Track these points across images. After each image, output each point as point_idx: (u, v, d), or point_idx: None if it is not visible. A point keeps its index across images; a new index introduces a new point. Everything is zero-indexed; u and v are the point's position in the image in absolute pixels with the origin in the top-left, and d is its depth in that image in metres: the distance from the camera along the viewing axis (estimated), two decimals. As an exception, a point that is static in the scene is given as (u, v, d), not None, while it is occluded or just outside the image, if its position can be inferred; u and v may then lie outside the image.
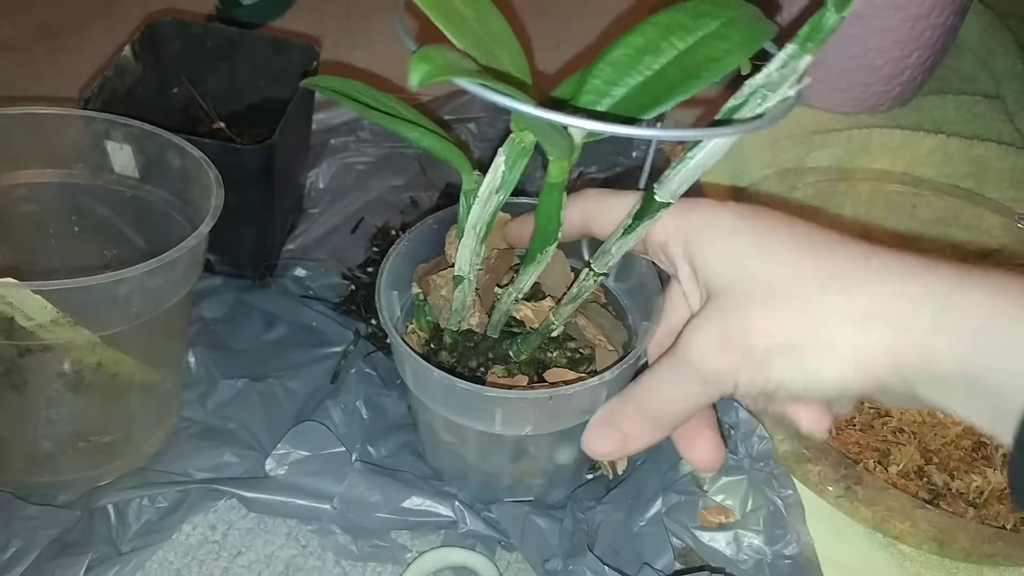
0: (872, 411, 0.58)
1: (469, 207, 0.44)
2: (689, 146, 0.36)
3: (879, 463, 0.55)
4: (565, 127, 0.37)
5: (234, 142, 0.64)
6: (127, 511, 0.49)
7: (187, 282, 0.46)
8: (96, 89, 0.58)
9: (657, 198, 0.39)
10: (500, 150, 0.41)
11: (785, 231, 0.34)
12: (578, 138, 0.38)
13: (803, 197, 0.70)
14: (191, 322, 0.60)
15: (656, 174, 0.41)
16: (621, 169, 0.78)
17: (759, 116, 0.33)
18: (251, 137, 0.68)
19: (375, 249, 0.69)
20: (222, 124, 0.69)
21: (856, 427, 0.57)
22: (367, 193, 0.74)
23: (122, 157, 0.54)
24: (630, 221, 0.42)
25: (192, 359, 0.57)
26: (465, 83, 0.30)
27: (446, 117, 0.81)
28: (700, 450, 0.41)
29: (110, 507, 0.48)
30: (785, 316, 0.31)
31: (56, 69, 0.83)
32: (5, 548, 0.45)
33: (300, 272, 0.66)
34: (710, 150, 0.35)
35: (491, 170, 0.41)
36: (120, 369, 0.46)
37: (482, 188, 0.42)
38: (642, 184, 0.55)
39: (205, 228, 0.45)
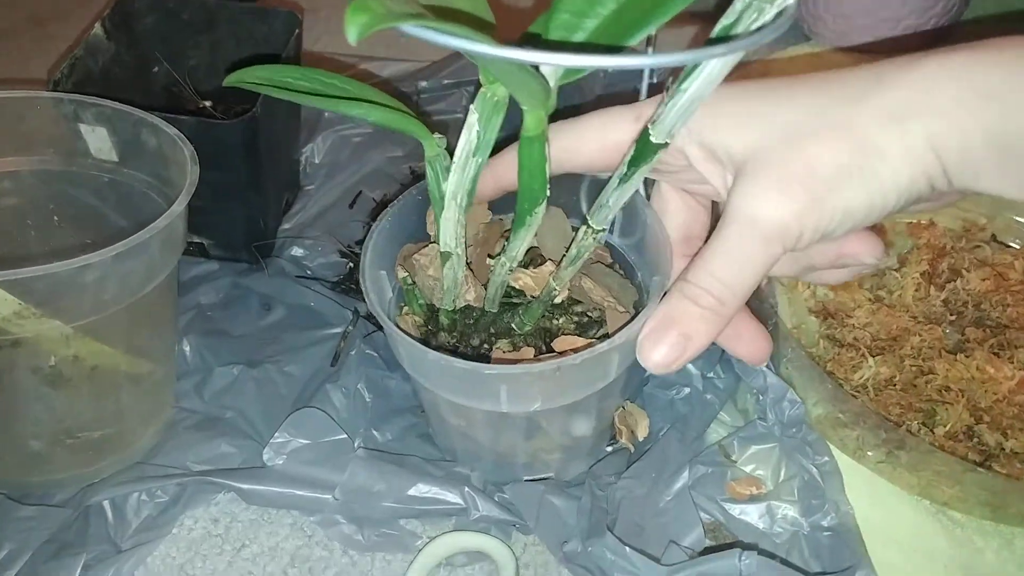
0: (915, 368, 0.53)
1: (436, 176, 0.40)
2: (682, 76, 0.32)
3: (924, 424, 0.51)
4: (536, 68, 0.33)
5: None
6: (125, 507, 0.46)
7: (165, 265, 0.43)
8: (66, 70, 0.55)
9: (652, 140, 0.36)
10: (471, 108, 0.37)
11: (781, 81, 0.34)
12: (552, 81, 0.34)
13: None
14: (186, 309, 0.57)
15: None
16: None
17: (758, 31, 0.29)
18: (239, 115, 0.65)
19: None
20: (206, 103, 0.66)
21: (897, 387, 0.53)
22: (364, 166, 0.71)
23: (97, 139, 0.51)
24: (625, 169, 0.38)
25: (187, 347, 0.55)
26: (410, 28, 0.26)
27: (444, 81, 0.77)
28: (747, 340, 0.40)
29: (106, 504, 0.46)
30: (832, 142, 0.31)
31: (44, 59, 0.81)
32: (-2, 551, 0.43)
33: (297, 252, 0.63)
34: (706, 77, 0.31)
35: (464, 131, 0.37)
36: (101, 361, 0.43)
37: (457, 152, 0.38)
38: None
39: (178, 207, 0.42)
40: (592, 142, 0.38)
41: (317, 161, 0.71)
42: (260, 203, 0.61)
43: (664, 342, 0.36)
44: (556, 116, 0.39)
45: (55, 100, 0.50)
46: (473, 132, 0.37)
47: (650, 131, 0.35)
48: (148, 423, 0.49)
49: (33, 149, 0.51)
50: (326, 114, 0.74)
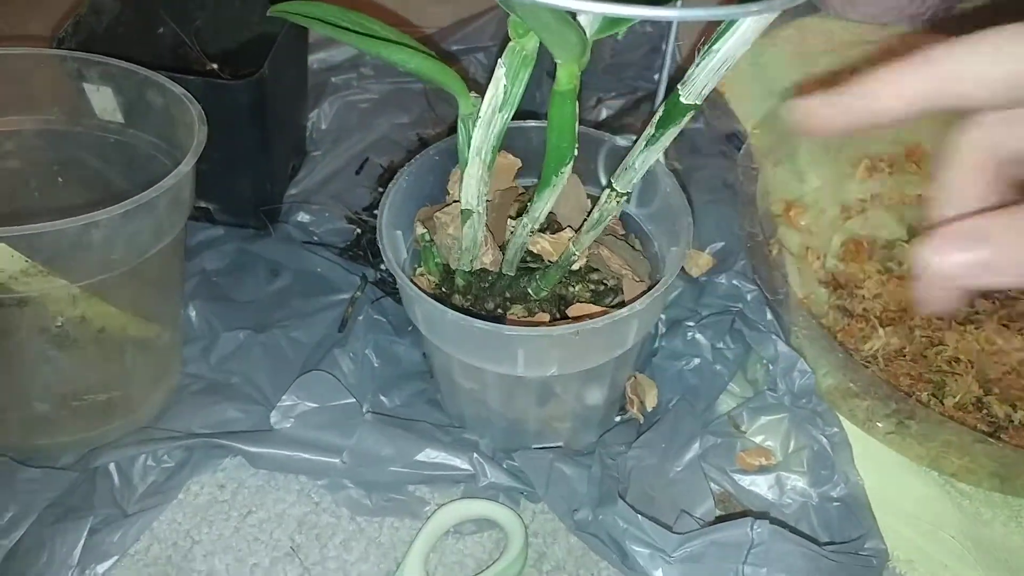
0: (925, 339, 0.53)
1: (469, 135, 0.40)
2: (715, 36, 0.32)
3: (933, 395, 0.51)
4: (574, 16, 0.32)
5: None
6: (131, 471, 0.46)
7: (172, 227, 0.43)
8: (70, 29, 0.54)
9: (682, 100, 0.35)
10: (499, 62, 0.36)
11: None
12: (589, 32, 0.33)
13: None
14: (191, 275, 0.57)
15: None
16: (643, 93, 0.72)
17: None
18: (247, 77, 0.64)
19: (380, 190, 0.65)
20: (214, 65, 0.65)
21: (907, 357, 0.53)
22: (371, 132, 0.70)
23: (102, 99, 0.50)
24: (653, 131, 0.37)
25: (193, 312, 0.54)
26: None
27: (453, 48, 0.76)
28: None
29: (112, 467, 0.45)
30: None
31: (44, 18, 0.79)
32: (2, 513, 0.43)
33: (304, 217, 0.62)
34: (739, 37, 0.30)
35: (491, 85, 0.37)
36: (108, 323, 0.42)
37: (483, 107, 0.38)
38: (662, 88, 0.50)
39: (185, 167, 0.41)
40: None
41: (324, 127, 0.70)
42: (267, 167, 0.60)
43: (967, 245, 0.23)
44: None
45: (59, 57, 0.49)
46: (500, 87, 0.36)
47: (680, 92, 0.35)
48: (154, 387, 0.49)
49: (36, 108, 0.50)
50: (333, 79, 0.73)
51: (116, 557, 0.43)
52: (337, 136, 0.69)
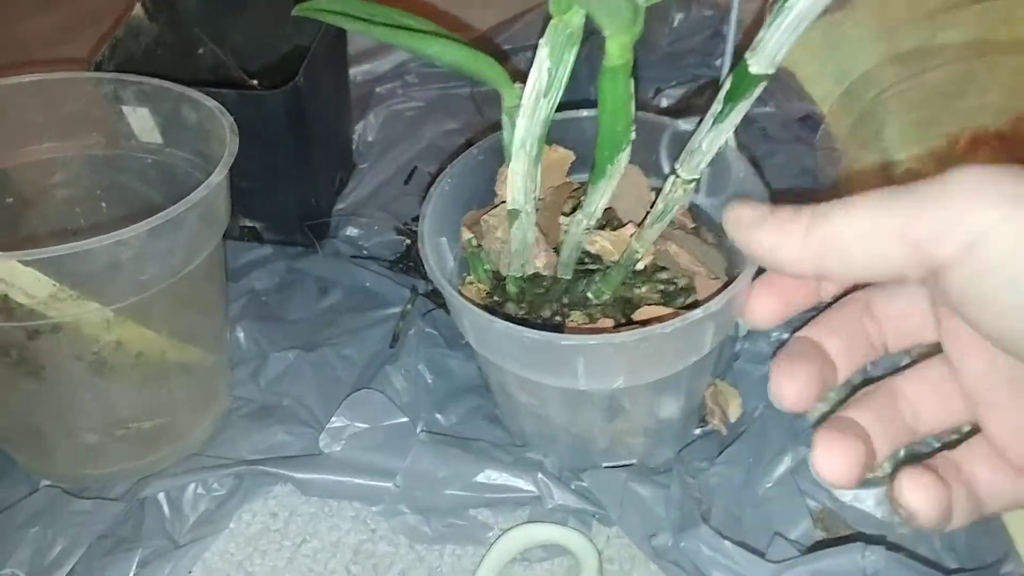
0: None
1: (514, 129, 0.36)
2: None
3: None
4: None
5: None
6: (181, 501, 0.44)
7: (206, 244, 0.40)
8: (107, 52, 0.53)
9: (751, 70, 0.31)
10: (541, 42, 0.33)
11: None
12: (641, -1, 0.29)
13: (933, 83, 0.59)
14: (239, 295, 0.55)
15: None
16: (704, 80, 0.68)
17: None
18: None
19: (431, 198, 0.62)
20: (254, 82, 0.64)
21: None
22: (419, 141, 0.67)
23: (140, 120, 0.49)
24: (720, 106, 0.33)
25: (241, 334, 0.52)
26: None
27: (504, 47, 0.73)
28: None
29: (161, 497, 0.43)
30: None
31: (77, 41, 0.78)
32: (51, 547, 0.41)
33: (352, 232, 0.60)
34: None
35: (533, 69, 0.33)
36: (146, 347, 0.40)
37: (526, 95, 0.34)
38: (727, 60, 0.46)
39: (215, 177, 0.39)
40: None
41: (370, 139, 0.68)
42: (311, 181, 0.58)
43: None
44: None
45: (96, 80, 0.47)
46: (543, 70, 0.32)
47: (748, 61, 0.30)
48: (202, 413, 0.47)
49: (77, 134, 0.49)
50: (377, 90, 0.71)
51: (166, 592, 0.41)
52: (384, 147, 0.67)
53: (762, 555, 0.39)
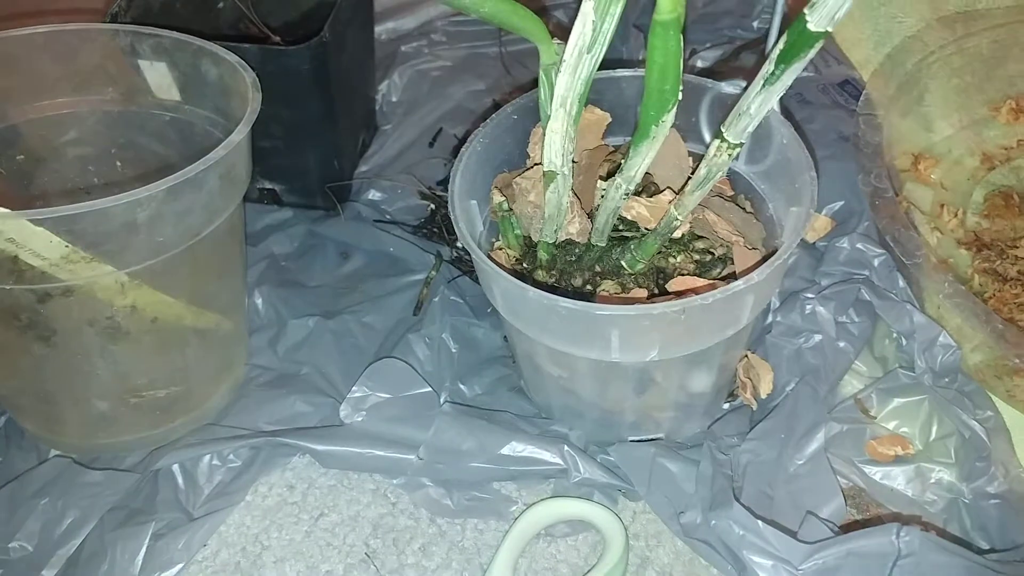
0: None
1: (551, 87, 0.35)
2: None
3: (1115, 371, 0.42)
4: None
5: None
6: (196, 472, 0.43)
7: (226, 205, 0.39)
8: (124, 4, 0.51)
9: (810, 27, 0.29)
10: (586, -5, 0.31)
11: None
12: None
13: (975, 49, 0.56)
14: (258, 260, 0.53)
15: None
16: (741, 42, 0.65)
17: None
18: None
19: (456, 162, 0.60)
20: (277, 38, 0.61)
21: (1080, 326, 0.44)
22: (445, 102, 0.65)
23: (157, 75, 0.47)
24: (772, 66, 0.31)
25: (259, 300, 0.51)
26: None
27: (545, 3, 0.71)
28: None
29: (175, 468, 0.42)
30: None
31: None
32: (61, 519, 0.41)
33: (375, 195, 0.58)
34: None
35: (577, 23, 0.32)
36: (162, 312, 0.39)
37: (568, 50, 0.32)
38: (777, 18, 0.44)
39: (237, 136, 0.37)
40: None
41: (395, 99, 0.66)
42: (334, 142, 0.56)
43: None
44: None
45: (111, 32, 0.46)
46: (588, 23, 0.31)
47: (807, 16, 0.28)
48: (218, 381, 0.46)
49: (92, 89, 0.47)
50: (403, 48, 0.69)
51: (181, 564, 0.40)
52: (409, 107, 0.65)
53: (794, 535, 0.38)
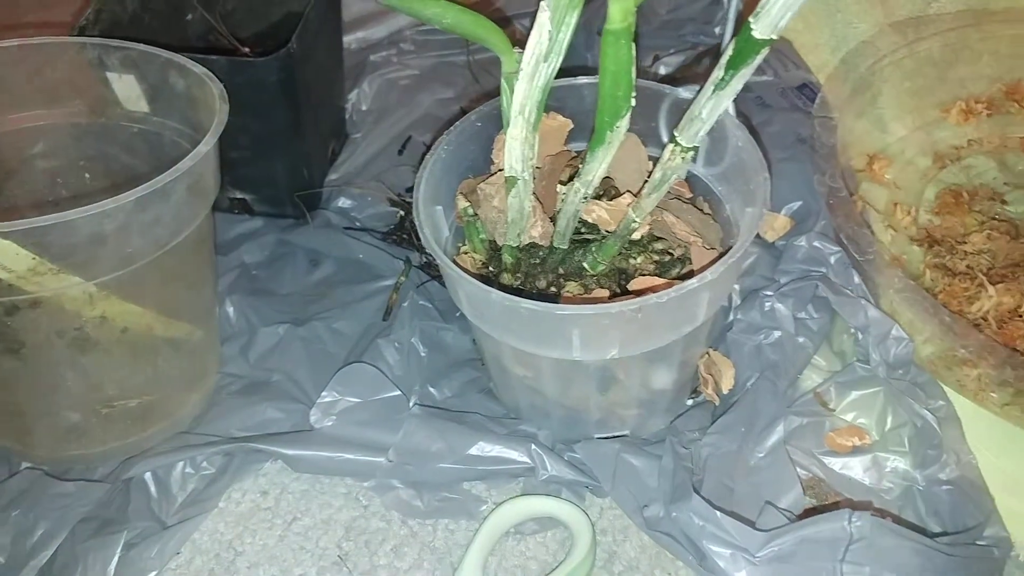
0: (1045, 296, 0.47)
1: (512, 94, 0.36)
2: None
3: (1058, 360, 0.44)
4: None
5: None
6: (169, 480, 0.43)
7: (193, 216, 0.40)
8: (91, 16, 0.52)
9: (755, 35, 0.30)
10: (542, 5, 0.32)
11: None
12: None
13: (927, 52, 0.58)
14: (230, 269, 0.54)
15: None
16: (703, 48, 0.67)
17: None
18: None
19: (424, 169, 0.61)
20: (246, 50, 0.62)
21: (1024, 318, 0.46)
22: (414, 110, 0.66)
23: (126, 87, 0.47)
24: (722, 72, 0.32)
25: (231, 308, 0.51)
26: None
27: (503, 14, 0.72)
28: None
29: (148, 477, 0.43)
30: None
31: (64, 7, 0.75)
32: (33, 530, 0.41)
33: (344, 203, 0.59)
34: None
35: (534, 32, 0.33)
36: (131, 322, 0.40)
37: (526, 58, 0.33)
38: (730, 26, 0.45)
39: (204, 147, 0.38)
40: None
41: (364, 108, 0.67)
42: (303, 151, 0.57)
43: None
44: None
45: (79, 45, 0.46)
46: (544, 33, 0.32)
47: (752, 25, 0.30)
48: (191, 390, 0.46)
49: (60, 101, 0.47)
50: (372, 58, 0.70)
51: (155, 572, 0.40)
52: (378, 116, 0.66)
53: (752, 524, 0.39)
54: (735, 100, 0.35)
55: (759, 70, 0.63)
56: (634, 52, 0.32)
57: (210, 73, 0.44)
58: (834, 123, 0.53)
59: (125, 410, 0.42)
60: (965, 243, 0.50)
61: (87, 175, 0.50)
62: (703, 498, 0.39)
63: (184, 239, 0.39)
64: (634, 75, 0.33)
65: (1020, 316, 0.46)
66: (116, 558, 0.39)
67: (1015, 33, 0.58)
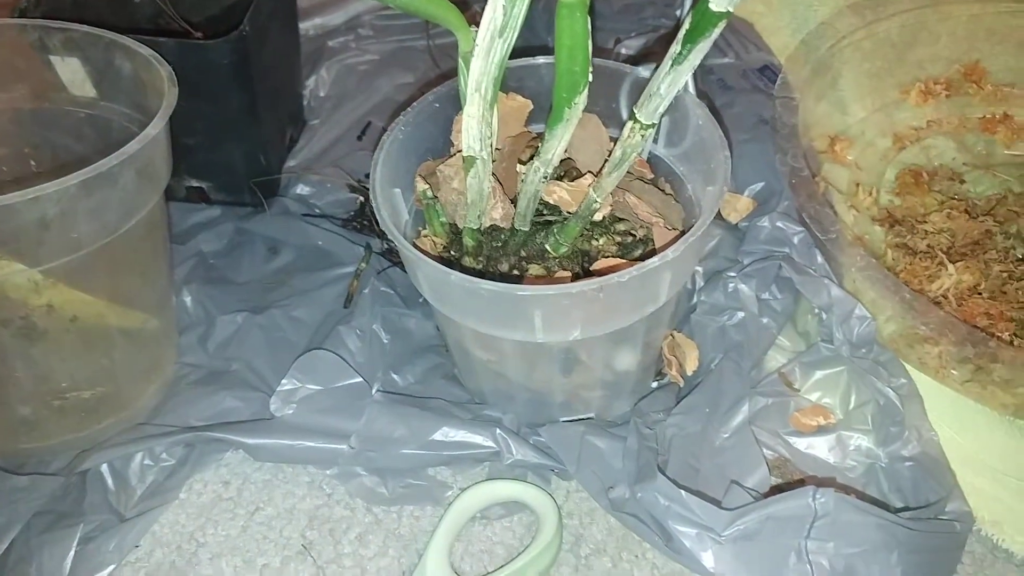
0: (1003, 274, 0.47)
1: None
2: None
3: (1016, 335, 0.45)
4: None
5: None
6: (127, 472, 0.42)
7: (144, 201, 0.38)
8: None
9: (712, 7, 0.30)
10: (497, -20, 0.31)
11: None
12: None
13: (885, 33, 0.58)
14: (187, 258, 0.53)
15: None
16: (664, 31, 0.66)
17: None
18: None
19: (385, 154, 0.60)
20: (198, 34, 0.61)
21: (984, 295, 0.46)
22: (373, 95, 0.65)
23: (70, 71, 0.46)
24: (679, 47, 0.32)
25: (188, 298, 0.50)
26: None
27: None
28: None
29: (104, 469, 0.42)
30: None
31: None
32: (-16, 526, 0.39)
33: (303, 190, 0.58)
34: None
35: (488, 8, 0.32)
36: (80, 311, 0.38)
37: (481, 34, 0.33)
38: (686, 11, 0.45)
39: (152, 130, 0.37)
40: None
41: (322, 94, 0.66)
42: (259, 137, 0.55)
43: None
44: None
45: (19, 28, 0.45)
46: (499, 8, 0.31)
47: (709, -4, 0.29)
48: (147, 380, 0.45)
49: (1, 86, 0.46)
50: (330, 44, 0.69)
51: (113, 566, 0.39)
52: (337, 102, 0.65)
53: (718, 504, 0.39)
54: (696, 81, 0.34)
55: (720, 52, 0.64)
56: (589, 26, 0.32)
57: (157, 55, 0.42)
58: (795, 104, 0.53)
59: (78, 402, 0.41)
60: (925, 223, 0.51)
61: (32, 162, 0.48)
62: (668, 478, 0.39)
63: (135, 225, 0.38)
64: (590, 49, 0.33)
65: (979, 294, 0.47)
66: (72, 552, 0.38)
67: (972, 13, 0.59)
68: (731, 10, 0.30)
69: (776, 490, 0.42)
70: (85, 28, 0.44)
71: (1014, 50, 0.60)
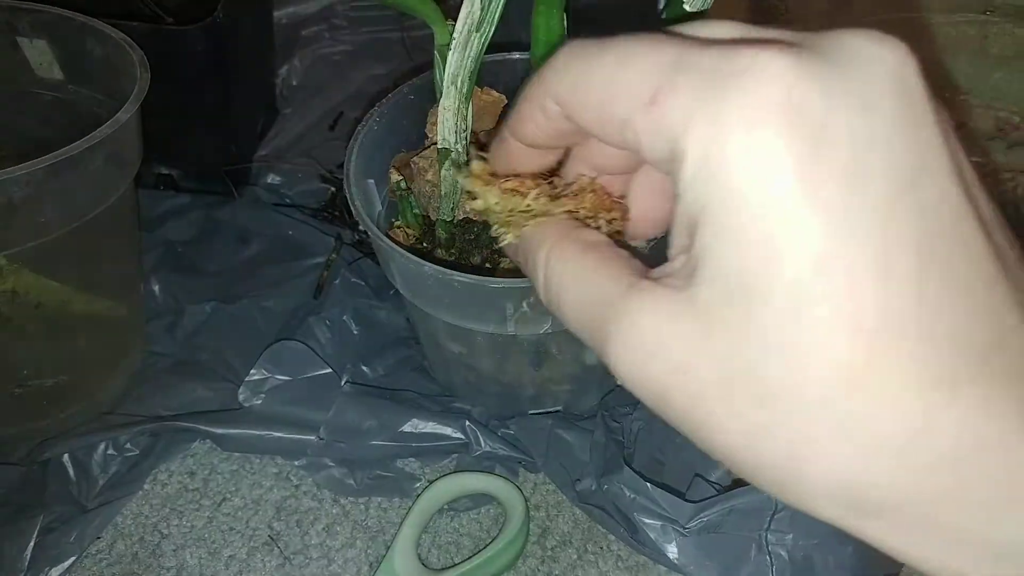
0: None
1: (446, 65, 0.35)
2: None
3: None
4: None
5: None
6: (89, 462, 0.42)
7: (114, 186, 0.38)
8: (1, -22, 0.49)
9: (687, 7, 0.30)
10: (474, -27, 0.31)
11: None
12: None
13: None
14: (155, 246, 0.52)
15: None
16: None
17: None
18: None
19: (358, 146, 0.60)
20: (171, 20, 0.60)
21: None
22: (347, 86, 0.65)
23: (37, 53, 0.45)
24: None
25: (156, 287, 0.50)
26: None
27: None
28: None
29: (66, 459, 0.41)
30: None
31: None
32: (-61, 516, 0.39)
33: (274, 179, 0.58)
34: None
35: (466, 3, 0.32)
36: (45, 298, 0.38)
37: (458, 28, 0.33)
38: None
39: (124, 115, 0.36)
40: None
41: (295, 83, 0.66)
42: (230, 126, 0.55)
43: None
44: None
45: (-17, 8, 0.44)
46: (476, 3, 0.31)
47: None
48: (113, 369, 0.44)
49: (-34, 70, 0.45)
50: (303, 33, 0.68)
51: (74, 558, 0.39)
52: (310, 92, 0.65)
53: (682, 496, 0.40)
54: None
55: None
56: (566, 21, 0.32)
57: (129, 39, 0.42)
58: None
59: (40, 390, 0.41)
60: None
61: (-2, 150, 0.47)
62: (634, 471, 0.39)
63: (103, 212, 0.38)
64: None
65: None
66: (32, 543, 0.38)
67: (935, 23, 0.60)
68: (706, 8, 0.31)
69: (738, 483, 0.43)
70: (55, 10, 0.43)
71: (969, 56, 0.61)
